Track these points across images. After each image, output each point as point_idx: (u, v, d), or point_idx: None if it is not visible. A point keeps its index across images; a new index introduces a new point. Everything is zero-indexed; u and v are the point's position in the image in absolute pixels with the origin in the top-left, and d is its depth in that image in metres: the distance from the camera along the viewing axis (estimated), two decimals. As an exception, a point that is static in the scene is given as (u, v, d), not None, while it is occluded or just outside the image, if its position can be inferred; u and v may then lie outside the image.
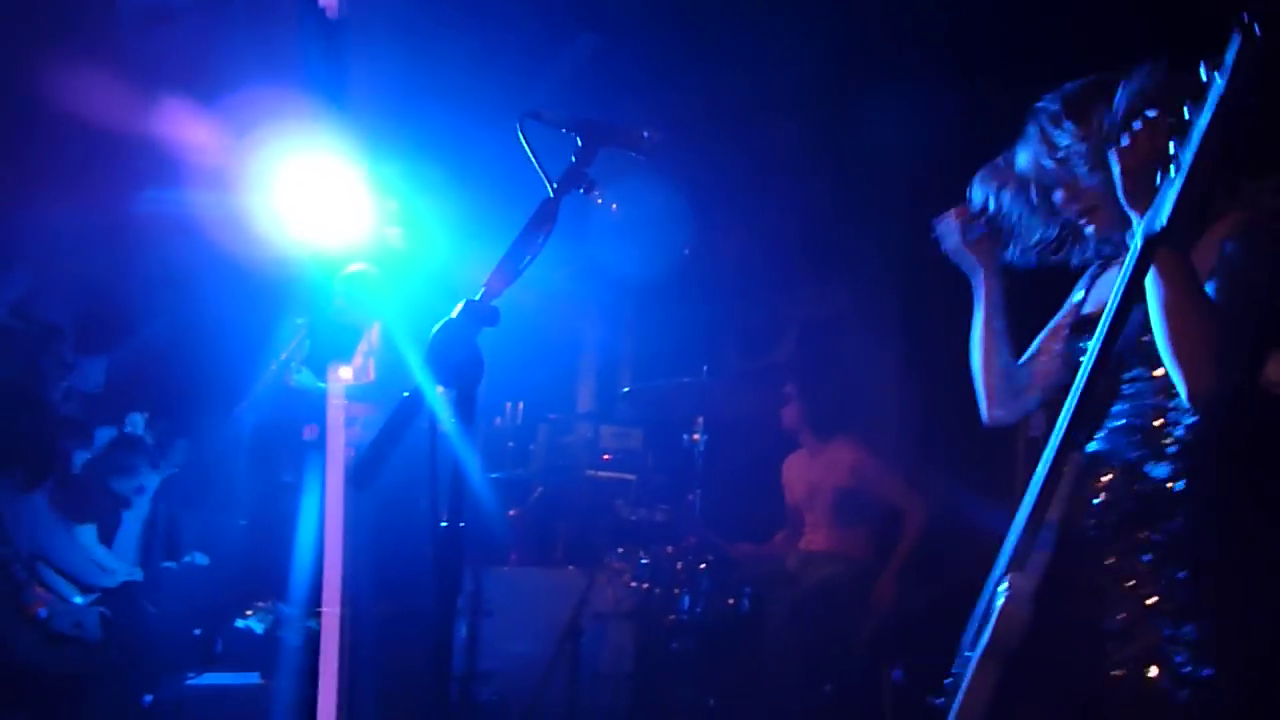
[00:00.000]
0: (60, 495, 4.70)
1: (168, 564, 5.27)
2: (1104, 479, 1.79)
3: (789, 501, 4.58)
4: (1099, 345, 1.68)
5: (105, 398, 5.86)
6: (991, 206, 2.08)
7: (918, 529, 4.10)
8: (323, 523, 3.32)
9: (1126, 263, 1.63)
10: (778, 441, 4.61)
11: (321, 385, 4.00)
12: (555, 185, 1.63)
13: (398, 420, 1.43)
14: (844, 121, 4.47)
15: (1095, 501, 1.79)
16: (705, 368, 4.30)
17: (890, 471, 4.29)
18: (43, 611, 4.11)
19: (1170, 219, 1.55)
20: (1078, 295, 2.05)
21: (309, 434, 4.03)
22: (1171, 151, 1.61)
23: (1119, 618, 1.71)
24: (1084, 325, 1.93)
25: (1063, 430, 1.71)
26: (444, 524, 1.44)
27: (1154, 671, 1.67)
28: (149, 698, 4.22)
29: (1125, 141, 1.71)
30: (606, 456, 5.15)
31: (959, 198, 2.17)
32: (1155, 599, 1.69)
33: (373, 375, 4.12)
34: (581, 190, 1.66)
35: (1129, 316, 1.65)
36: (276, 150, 4.01)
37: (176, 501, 5.51)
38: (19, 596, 4.06)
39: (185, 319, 5.74)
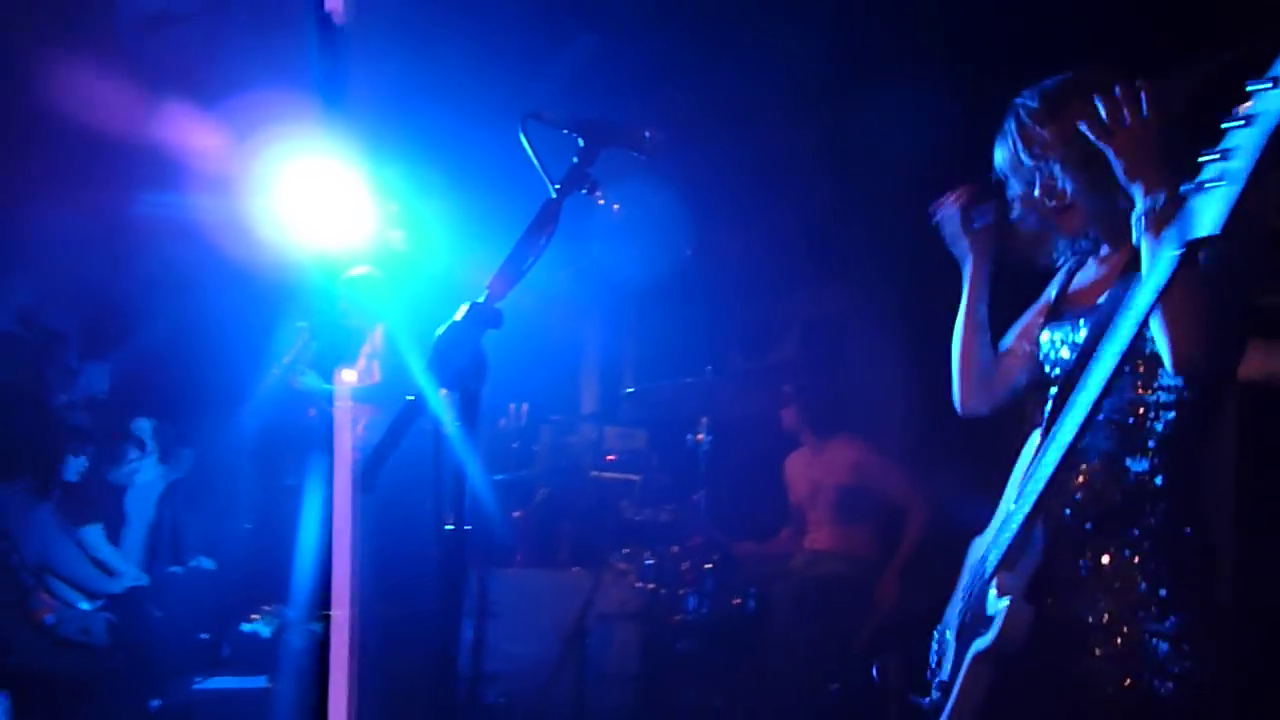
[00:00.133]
0: (65, 501, 4.71)
1: (173, 569, 5.28)
2: (1083, 472, 1.80)
3: (792, 500, 4.58)
4: (1108, 344, 1.65)
5: (110, 403, 5.87)
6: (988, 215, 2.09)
7: (920, 527, 4.10)
8: (328, 526, 3.32)
9: (1157, 268, 1.56)
10: (781, 441, 4.61)
11: (326, 388, 4.00)
12: (557, 186, 1.63)
13: (402, 423, 1.43)
14: (846, 121, 4.47)
15: (1076, 496, 1.81)
16: (709, 368, 4.30)
17: (892, 469, 4.29)
18: (50, 618, 4.12)
19: (1225, 228, 1.50)
20: (1052, 291, 2.07)
21: (310, 427, 4.03)
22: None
23: (1102, 611, 1.73)
24: (1058, 312, 1.96)
25: (1069, 431, 1.70)
26: (449, 527, 1.44)
27: (1137, 664, 1.69)
28: (156, 702, 4.23)
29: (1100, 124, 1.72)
30: (611, 457, 5.14)
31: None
32: (1137, 592, 1.72)
33: (377, 378, 4.12)
34: (584, 191, 1.65)
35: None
36: (278, 154, 4.02)
37: (181, 506, 5.52)
38: (26, 603, 4.08)
39: (187, 323, 5.75)
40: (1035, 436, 1.93)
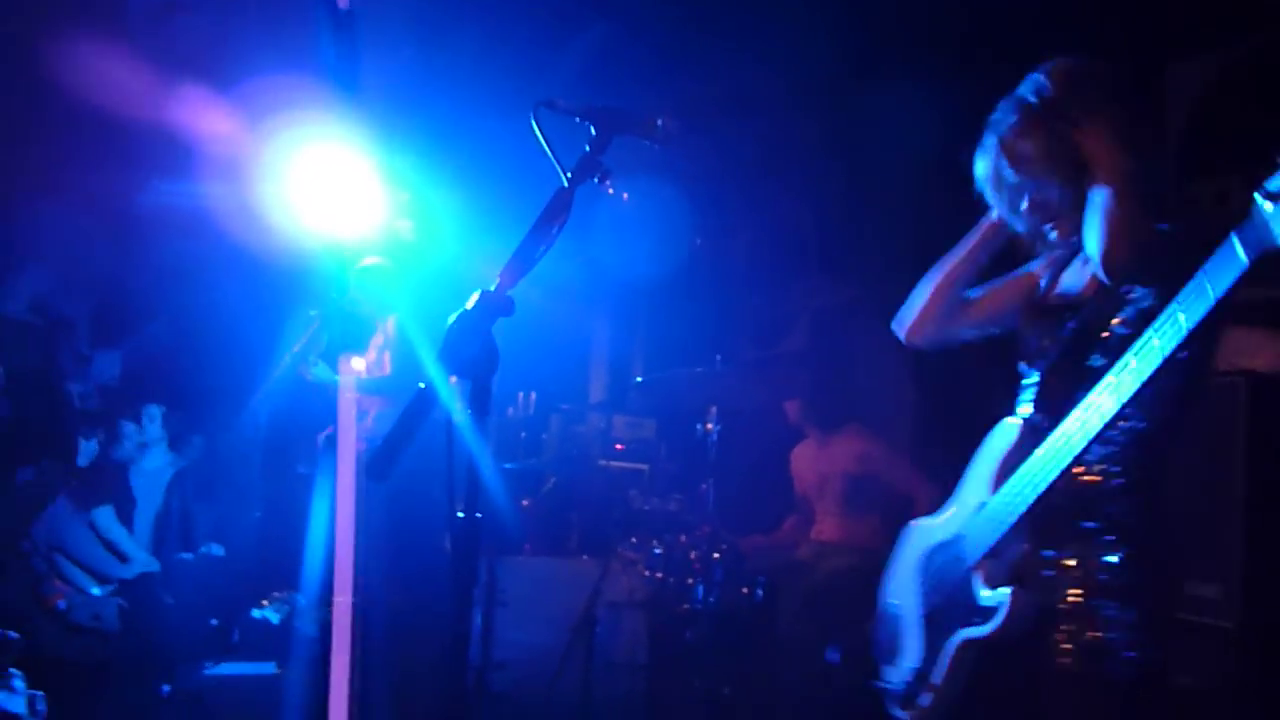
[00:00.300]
0: (77, 485, 4.74)
1: (184, 555, 5.31)
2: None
3: (799, 491, 4.57)
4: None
5: (121, 390, 5.90)
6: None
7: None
8: (336, 513, 3.34)
9: (1218, 274, 1.55)
10: (790, 431, 4.60)
11: (336, 378, 4.01)
12: (569, 175, 1.62)
13: (414, 412, 1.44)
14: (856, 112, 4.45)
15: (1012, 482, 1.86)
16: (718, 357, 4.29)
17: (900, 459, 4.28)
18: (62, 603, 4.15)
19: None
20: (1035, 267, 2.13)
21: (324, 435, 4.04)
22: None
23: (1068, 600, 1.81)
24: (1044, 305, 2.03)
25: (1079, 439, 1.75)
26: (460, 515, 1.44)
27: (1099, 651, 1.77)
28: (167, 687, 4.25)
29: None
30: (619, 446, 5.15)
31: (970, 189, 2.16)
32: (1098, 582, 1.80)
33: (388, 368, 4.12)
34: (596, 179, 1.65)
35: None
36: (289, 142, 4.02)
37: (190, 494, 5.54)
38: (38, 589, 4.11)
39: (198, 310, 5.77)
40: (1010, 425, 1.97)
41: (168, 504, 5.44)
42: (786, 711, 3.92)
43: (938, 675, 1.97)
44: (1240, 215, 1.51)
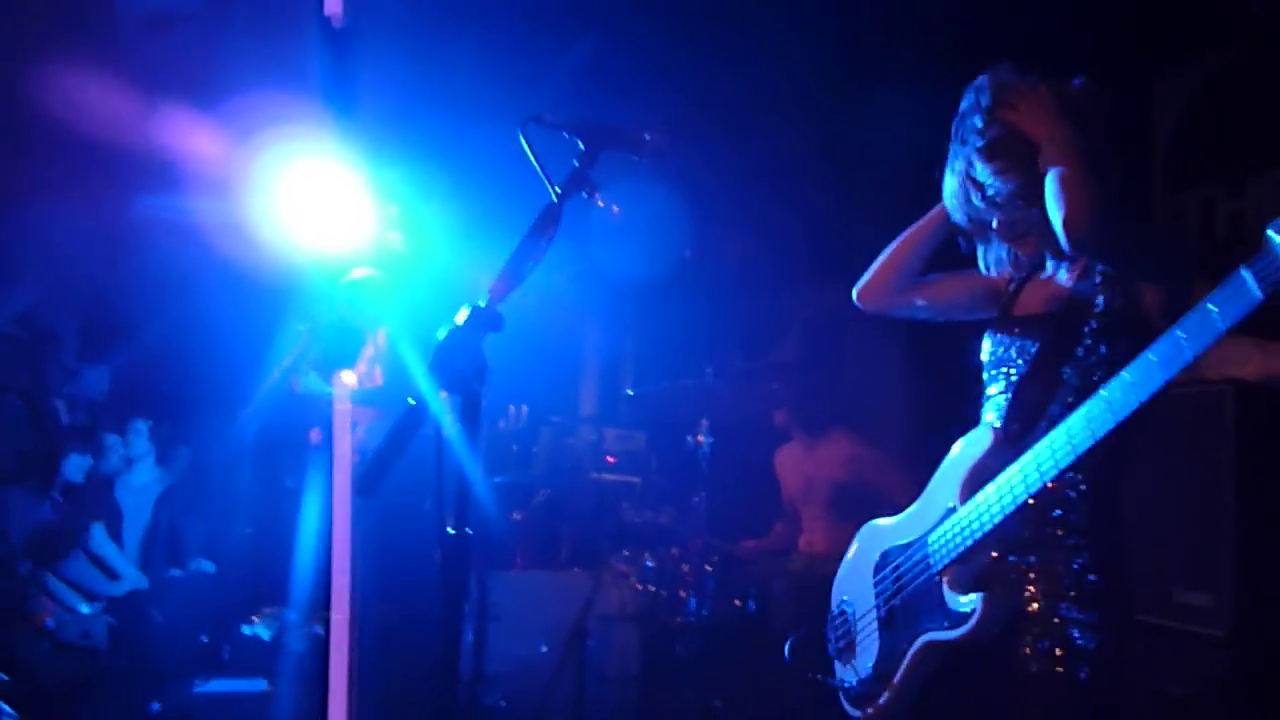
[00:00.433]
0: (66, 502, 4.71)
1: (174, 571, 5.28)
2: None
3: (785, 497, 4.56)
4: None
5: (109, 404, 5.87)
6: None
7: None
8: (328, 528, 3.32)
9: (1227, 304, 1.61)
10: (782, 440, 4.60)
11: (327, 391, 4.00)
12: (558, 189, 1.63)
13: (404, 427, 1.43)
14: (846, 122, 4.47)
15: (988, 492, 1.89)
16: (709, 369, 4.30)
17: (889, 464, 4.27)
18: (50, 621, 4.12)
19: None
20: (1001, 274, 2.19)
21: (314, 438, 4.03)
22: None
23: (1032, 603, 1.87)
24: (1008, 318, 2.10)
25: (1061, 457, 1.78)
26: (450, 530, 1.44)
27: (1063, 653, 1.84)
28: (156, 705, 4.23)
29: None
30: (610, 459, 5.14)
31: None
32: (1062, 587, 1.87)
33: (379, 380, 4.12)
34: (585, 194, 1.66)
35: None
36: (278, 156, 4.01)
37: (179, 509, 5.51)
38: (27, 607, 4.08)
39: (187, 325, 5.75)
40: (981, 433, 2.01)
41: (156, 520, 5.40)
42: (779, 724, 3.91)
43: (897, 675, 2.02)
44: (1252, 249, 1.55)
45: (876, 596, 2.12)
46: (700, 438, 4.20)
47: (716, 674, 3.91)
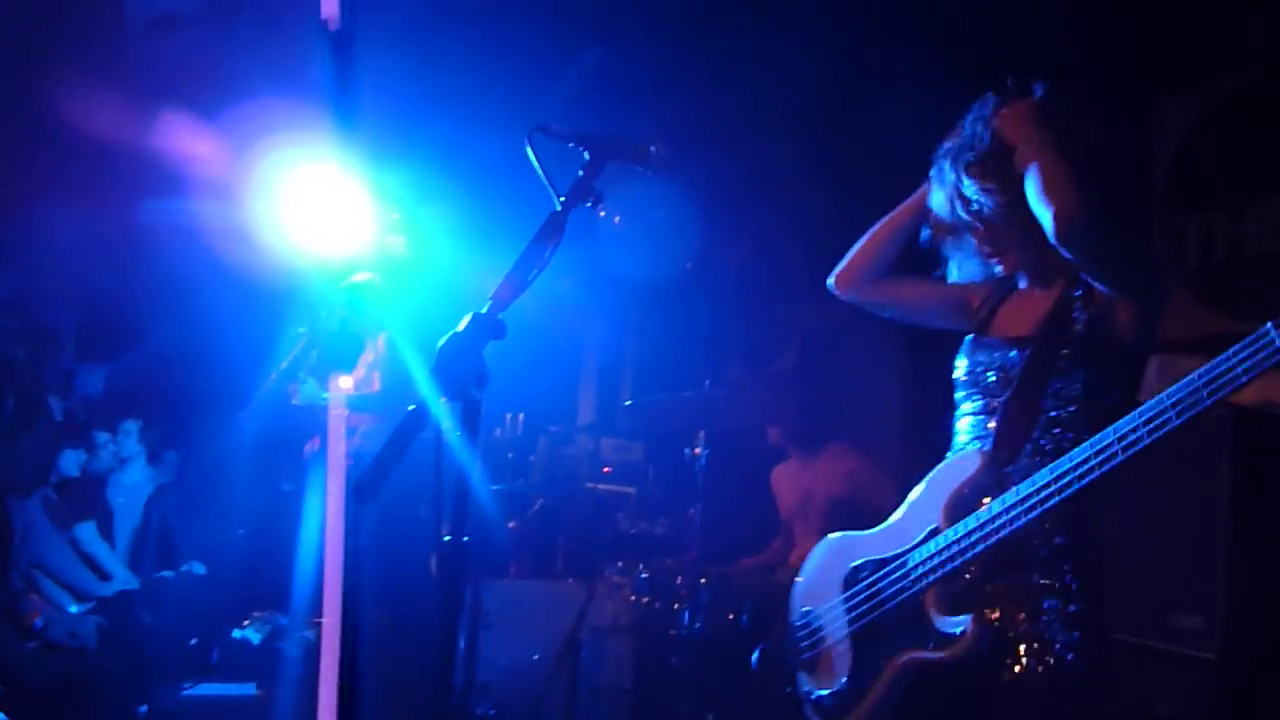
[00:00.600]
0: (58, 500, 4.70)
1: (165, 573, 5.25)
2: (988, 497, 1.95)
3: (782, 513, 4.56)
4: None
5: (104, 404, 5.86)
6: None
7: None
8: (322, 533, 3.31)
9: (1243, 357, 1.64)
10: (779, 456, 4.60)
11: (325, 395, 4.00)
12: (562, 199, 1.63)
13: (403, 433, 1.43)
14: (846, 133, 4.49)
15: (979, 514, 1.92)
16: (707, 381, 4.30)
17: (889, 479, 4.27)
18: (39, 621, 4.10)
19: None
20: (976, 288, 2.23)
21: (311, 447, 4.03)
22: None
23: (1018, 625, 1.90)
24: (984, 336, 2.12)
25: (1049, 493, 1.82)
26: (447, 537, 1.43)
27: (1041, 671, 1.87)
28: (144, 708, 4.20)
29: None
30: (607, 469, 5.14)
31: None
32: (1045, 608, 1.89)
33: (377, 386, 4.11)
34: (589, 204, 1.66)
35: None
36: (280, 160, 4.02)
37: (172, 510, 5.49)
38: (15, 606, 4.06)
39: (188, 327, 5.75)
40: (967, 456, 2.03)
41: (146, 520, 5.38)
42: (771, 739, 3.90)
43: (872, 691, 2.02)
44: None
45: (849, 611, 2.12)
46: (697, 450, 4.19)
47: (710, 688, 3.89)
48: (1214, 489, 2.65)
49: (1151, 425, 1.69)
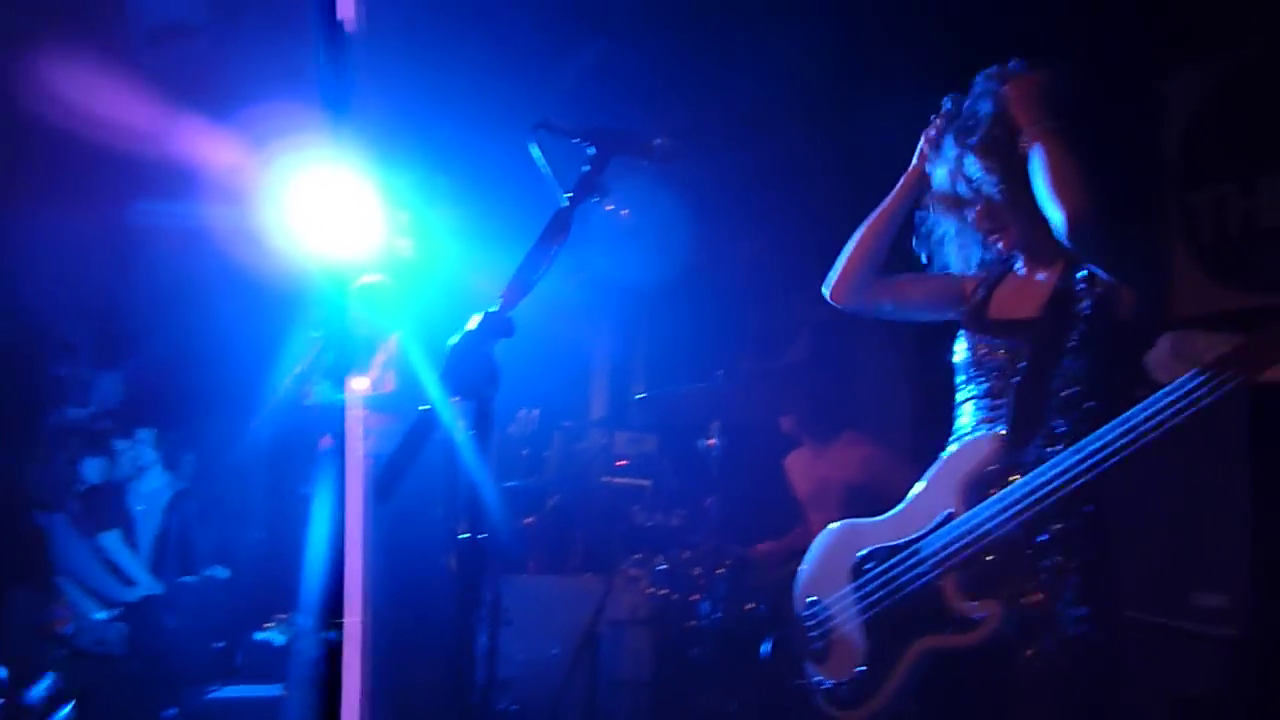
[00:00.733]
0: (82, 510, 4.74)
1: (187, 578, 5.30)
2: (1010, 480, 1.95)
3: (799, 499, 4.56)
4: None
5: (123, 412, 5.89)
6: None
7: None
8: (340, 534, 3.33)
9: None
10: (793, 444, 4.60)
11: (339, 398, 4.01)
12: (569, 195, 1.64)
13: (418, 433, 1.44)
14: (854, 124, 4.46)
15: (1000, 497, 1.93)
16: (720, 372, 4.29)
17: (902, 464, 4.26)
18: (68, 628, 4.14)
19: None
20: (968, 275, 2.24)
21: (325, 444, 4.04)
22: None
23: (1038, 607, 1.90)
24: (983, 319, 2.13)
25: (1067, 478, 1.84)
26: (464, 536, 1.44)
27: (1062, 654, 1.88)
28: (171, 711, 4.24)
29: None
30: (621, 462, 5.14)
31: None
32: (1063, 589, 1.90)
33: (391, 386, 4.12)
34: (595, 199, 1.66)
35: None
36: (288, 163, 4.03)
37: (190, 516, 5.53)
38: (44, 613, 4.09)
39: (197, 332, 5.77)
40: (980, 441, 2.03)
41: (166, 526, 5.43)
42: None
43: (891, 678, 2.02)
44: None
45: (860, 599, 2.11)
46: (711, 440, 4.19)
47: (730, 678, 3.90)
48: (1235, 465, 2.63)
49: (1180, 403, 1.69)
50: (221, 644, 4.78)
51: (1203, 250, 3.62)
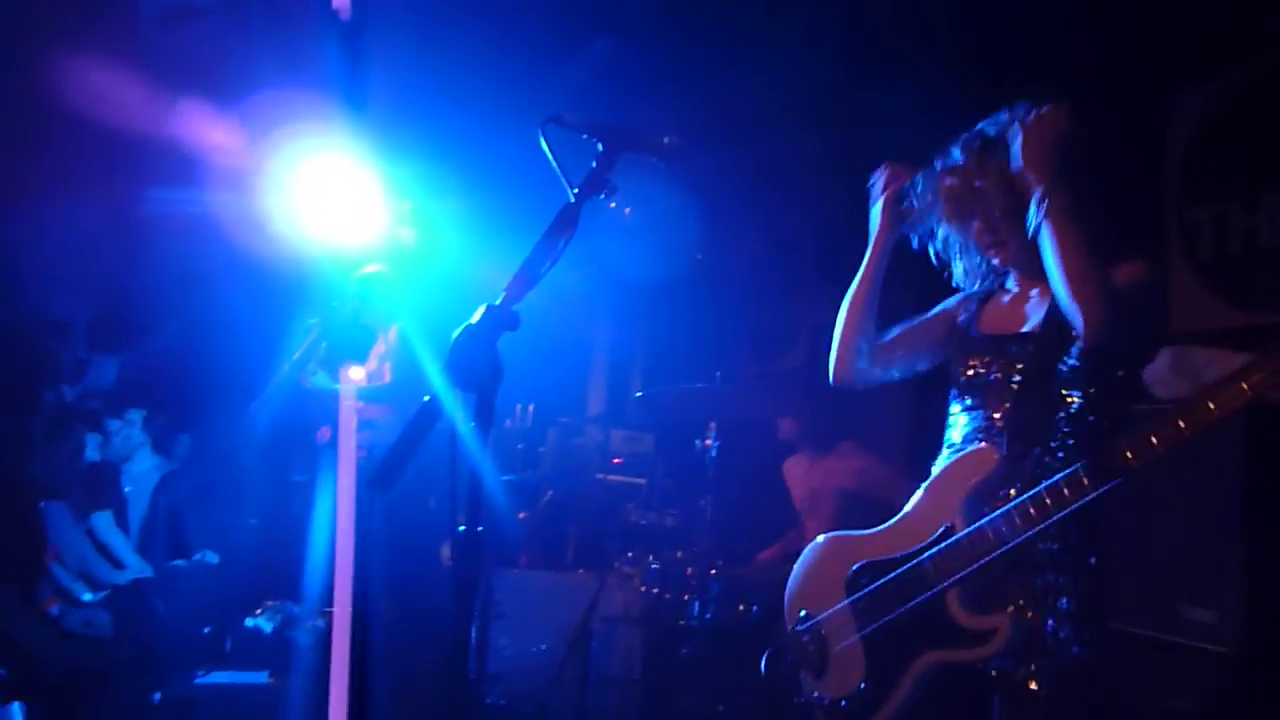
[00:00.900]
0: (74, 489, 4.72)
1: (178, 562, 5.29)
2: (1009, 493, 1.94)
3: (795, 504, 4.56)
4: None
5: (116, 394, 5.88)
6: (917, 202, 2.24)
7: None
8: (333, 522, 3.33)
9: None
10: (790, 448, 4.60)
11: (336, 386, 4.01)
12: (576, 190, 1.63)
13: (418, 425, 1.44)
14: (856, 126, 4.47)
15: (1002, 512, 1.92)
16: (718, 373, 4.29)
17: (896, 476, 4.27)
18: (54, 609, 4.13)
19: None
20: (950, 305, 2.26)
21: (322, 436, 4.04)
22: None
23: (1039, 620, 1.90)
24: (975, 339, 2.13)
25: (1072, 499, 1.84)
26: (462, 528, 1.44)
27: (1061, 671, 1.89)
28: (158, 695, 4.23)
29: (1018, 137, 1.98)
30: (617, 460, 5.14)
31: None
32: (1058, 604, 1.91)
33: (388, 377, 4.12)
34: (602, 195, 1.66)
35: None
36: (293, 152, 4.03)
37: (181, 499, 5.52)
38: (32, 594, 4.08)
39: (200, 318, 5.77)
40: (980, 456, 2.02)
41: (154, 508, 5.41)
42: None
43: (894, 693, 2.00)
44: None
45: (857, 614, 2.09)
46: (708, 441, 4.19)
47: (719, 678, 3.90)
48: (1226, 480, 2.64)
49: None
50: (210, 629, 4.77)
51: (1203, 267, 3.63)
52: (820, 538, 2.26)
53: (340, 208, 3.87)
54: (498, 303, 1.51)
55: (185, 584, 5.14)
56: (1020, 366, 2.01)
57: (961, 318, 2.21)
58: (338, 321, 4.07)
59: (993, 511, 1.92)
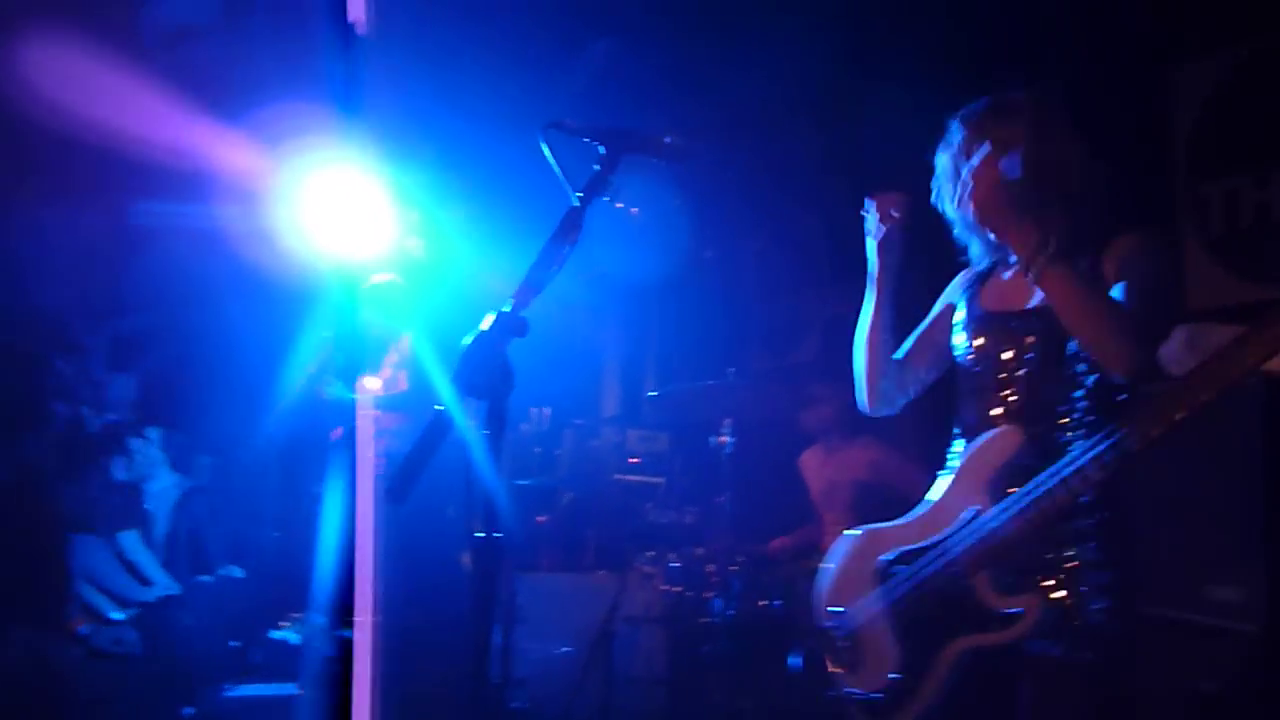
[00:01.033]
0: (101, 509, 4.76)
1: (204, 577, 5.33)
2: (1033, 473, 1.92)
3: (812, 496, 4.56)
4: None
5: (137, 413, 5.92)
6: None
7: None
8: (352, 533, 3.34)
9: None
10: (805, 441, 4.59)
11: (352, 397, 4.03)
12: (580, 194, 1.64)
13: (432, 434, 1.44)
14: (863, 122, 4.46)
15: (1026, 490, 1.91)
16: (731, 369, 4.29)
17: (911, 467, 4.25)
18: (84, 629, 4.16)
19: None
20: (953, 298, 2.24)
21: (335, 435, 4.06)
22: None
23: (1068, 601, 1.89)
24: (981, 319, 2.11)
25: (1092, 471, 1.81)
26: (479, 535, 1.45)
27: (1088, 648, 1.88)
28: (188, 710, 4.26)
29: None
30: (634, 460, 5.15)
31: None
32: (1089, 580, 1.89)
33: (404, 386, 4.14)
34: (606, 198, 1.66)
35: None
36: (300, 164, 4.04)
37: (203, 515, 5.56)
38: (61, 614, 4.12)
39: (210, 332, 5.80)
40: (1001, 437, 2.00)
41: (175, 526, 5.45)
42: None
43: (929, 682, 1.98)
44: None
45: (889, 605, 2.08)
46: (723, 438, 4.19)
47: (744, 676, 3.90)
48: (1249, 458, 2.62)
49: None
50: (238, 643, 4.81)
51: (1215, 243, 3.60)
52: (847, 532, 2.25)
53: (348, 219, 3.89)
54: (506, 309, 1.51)
55: (211, 599, 5.17)
56: (1030, 342, 2.00)
57: (961, 298, 2.20)
58: (349, 332, 4.09)
59: (1019, 492, 1.91)
